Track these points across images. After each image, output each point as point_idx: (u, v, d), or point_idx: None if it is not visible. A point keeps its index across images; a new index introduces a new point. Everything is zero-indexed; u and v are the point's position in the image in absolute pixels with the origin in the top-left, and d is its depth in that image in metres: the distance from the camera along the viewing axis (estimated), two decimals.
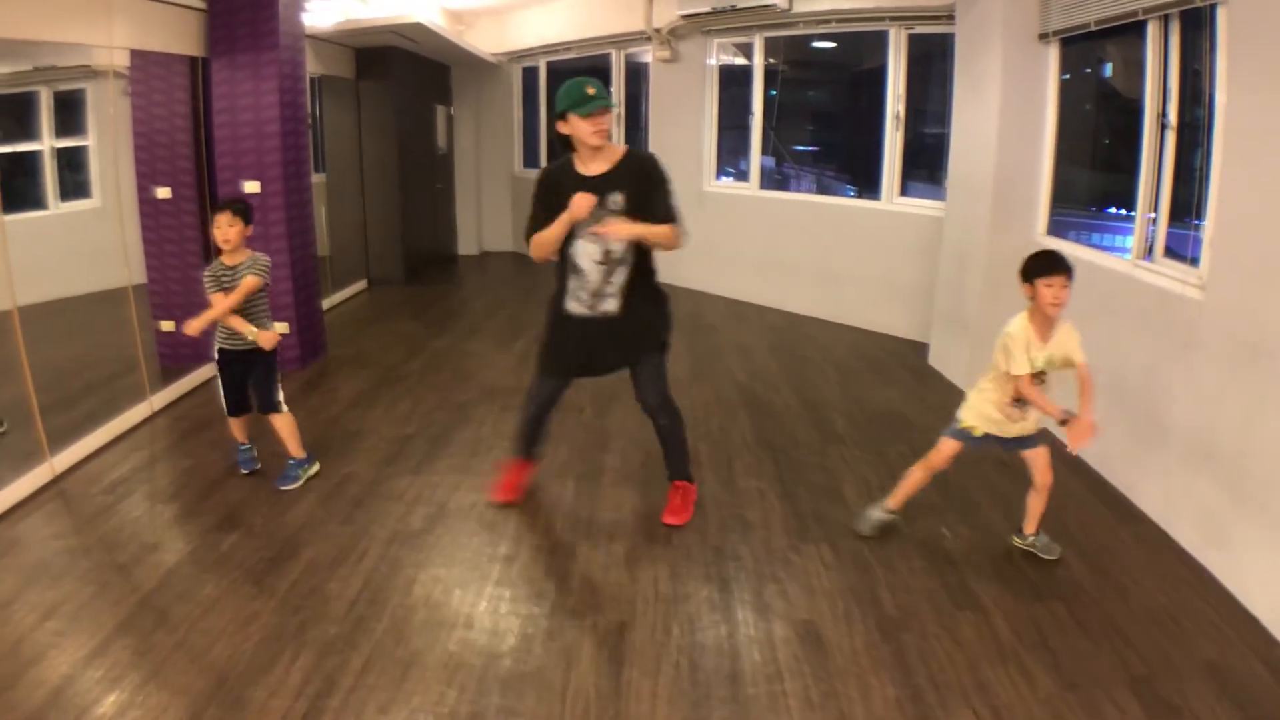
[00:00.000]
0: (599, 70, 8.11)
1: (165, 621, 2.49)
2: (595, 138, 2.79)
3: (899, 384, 4.90)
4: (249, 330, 3.28)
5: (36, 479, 3.34)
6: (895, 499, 3.06)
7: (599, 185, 2.83)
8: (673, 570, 2.85)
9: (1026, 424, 2.85)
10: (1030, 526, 2.99)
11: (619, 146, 2.92)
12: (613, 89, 8.02)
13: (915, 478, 3.01)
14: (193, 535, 3.02)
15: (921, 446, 3.07)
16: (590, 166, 2.88)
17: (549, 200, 2.89)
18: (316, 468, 3.57)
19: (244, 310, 3.30)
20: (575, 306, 3.00)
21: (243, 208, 3.35)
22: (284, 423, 3.46)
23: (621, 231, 2.81)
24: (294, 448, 3.48)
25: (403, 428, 4.08)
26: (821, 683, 2.29)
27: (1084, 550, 3.02)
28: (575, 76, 2.83)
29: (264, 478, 3.50)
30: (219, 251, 3.34)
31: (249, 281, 3.26)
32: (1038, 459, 2.92)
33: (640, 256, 2.96)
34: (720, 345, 5.69)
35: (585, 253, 2.92)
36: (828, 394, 4.71)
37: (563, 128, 2.84)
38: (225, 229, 3.27)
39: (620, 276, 2.94)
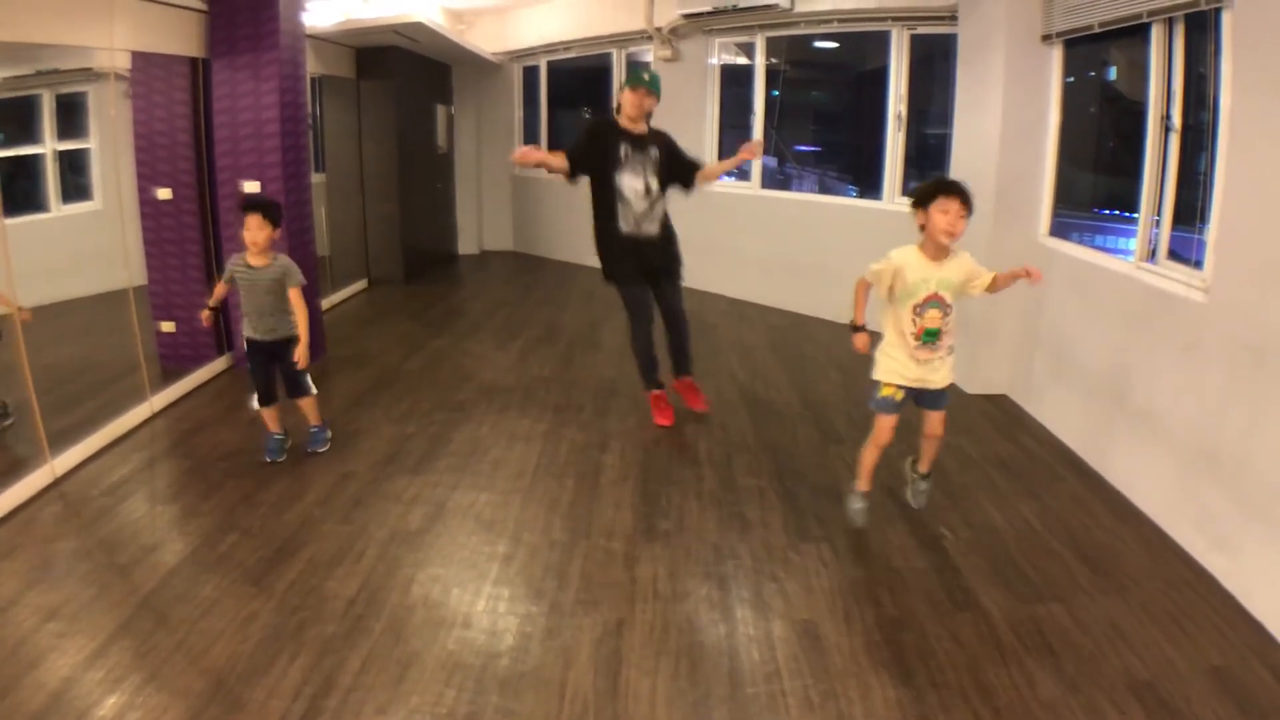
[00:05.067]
0: (600, 70, 8.12)
1: (165, 623, 2.49)
2: (632, 109, 3.82)
3: None
4: (302, 347, 3.55)
5: (37, 481, 3.33)
6: (863, 481, 3.07)
7: (641, 141, 3.86)
8: (671, 569, 2.85)
9: (939, 372, 2.85)
10: (922, 464, 3.12)
11: (647, 124, 3.95)
12: (613, 88, 8.02)
13: (869, 457, 3.03)
14: (192, 536, 3.02)
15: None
16: (633, 129, 3.87)
17: (594, 139, 3.83)
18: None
19: (276, 308, 3.57)
20: (625, 226, 3.88)
21: (273, 212, 3.49)
22: (310, 402, 3.76)
23: (756, 152, 4.08)
24: (315, 419, 3.79)
25: (402, 427, 4.08)
26: (821, 683, 2.28)
27: (1085, 551, 3.01)
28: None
29: (262, 477, 3.50)
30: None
31: (299, 304, 3.54)
32: (932, 416, 2.96)
33: (665, 200, 3.96)
34: (721, 344, 5.68)
35: (630, 187, 3.85)
36: (828, 393, 4.70)
37: (619, 96, 3.89)
38: (255, 232, 3.43)
39: (658, 209, 3.94)
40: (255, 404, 3.68)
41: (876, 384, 2.93)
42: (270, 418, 3.68)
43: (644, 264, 3.96)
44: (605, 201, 3.88)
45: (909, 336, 2.78)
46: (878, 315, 2.93)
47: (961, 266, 2.75)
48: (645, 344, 4.08)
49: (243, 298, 3.55)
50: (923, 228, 2.68)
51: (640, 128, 3.89)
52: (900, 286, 2.75)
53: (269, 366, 3.63)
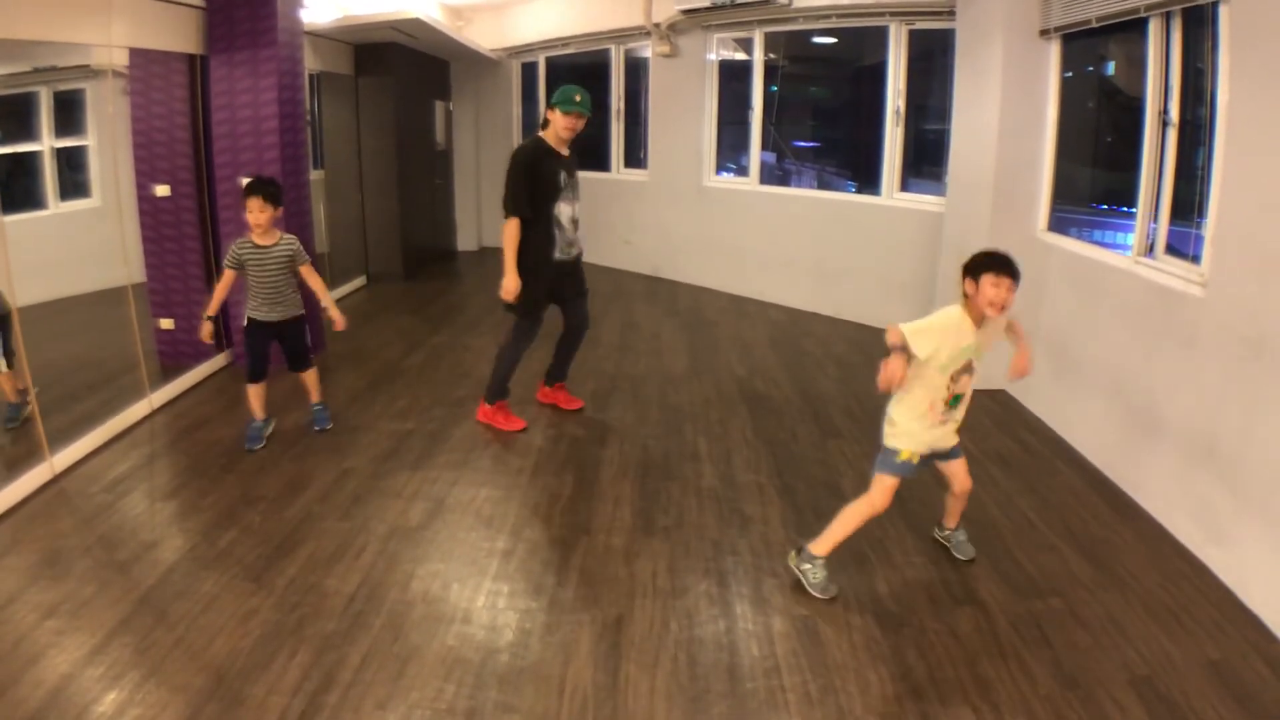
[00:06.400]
0: (599, 66, 8.12)
1: (164, 619, 2.50)
2: (565, 131, 3.75)
3: None
4: (334, 311, 3.80)
5: (36, 478, 3.33)
6: (826, 544, 2.69)
7: (569, 166, 3.85)
8: (671, 564, 2.85)
9: (949, 430, 2.68)
10: (951, 521, 2.97)
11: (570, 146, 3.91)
12: (611, 85, 8.01)
13: (853, 522, 2.66)
14: (192, 532, 3.03)
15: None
16: (560, 149, 3.81)
17: (534, 171, 3.70)
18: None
19: (287, 286, 3.71)
20: (558, 254, 3.84)
21: (274, 191, 3.63)
22: (313, 375, 3.95)
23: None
24: (317, 395, 3.99)
25: (401, 423, 4.08)
26: (820, 678, 2.29)
27: (1084, 546, 3.01)
28: (572, 82, 3.78)
29: (262, 473, 3.50)
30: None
31: (313, 277, 3.77)
32: (957, 469, 2.79)
33: None
34: (720, 340, 5.69)
35: (567, 215, 3.84)
36: (827, 389, 4.70)
37: (549, 114, 3.79)
38: (258, 213, 3.58)
39: (581, 230, 3.97)
40: (246, 381, 3.75)
41: (893, 450, 2.65)
42: (256, 398, 3.75)
43: (562, 286, 3.94)
44: (543, 230, 3.76)
45: (938, 402, 2.60)
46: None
47: (991, 332, 2.64)
48: (518, 362, 4.03)
49: (252, 279, 3.63)
50: (967, 294, 2.57)
51: (567, 151, 3.82)
52: (944, 354, 2.56)
53: (269, 344, 3.74)
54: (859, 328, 6.04)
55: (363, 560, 2.85)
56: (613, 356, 5.25)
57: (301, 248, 3.74)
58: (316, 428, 3.95)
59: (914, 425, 2.63)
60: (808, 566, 2.72)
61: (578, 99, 3.69)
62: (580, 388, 4.58)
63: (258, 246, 3.61)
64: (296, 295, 3.76)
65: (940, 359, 2.54)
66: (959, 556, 2.92)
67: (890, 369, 2.44)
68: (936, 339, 2.51)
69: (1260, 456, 2.64)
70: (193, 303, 4.82)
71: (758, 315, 6.44)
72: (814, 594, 2.67)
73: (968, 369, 2.61)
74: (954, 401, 2.62)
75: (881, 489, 2.65)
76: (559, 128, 3.72)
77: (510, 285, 3.67)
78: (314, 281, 3.77)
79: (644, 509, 3.26)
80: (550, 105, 3.75)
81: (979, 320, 2.58)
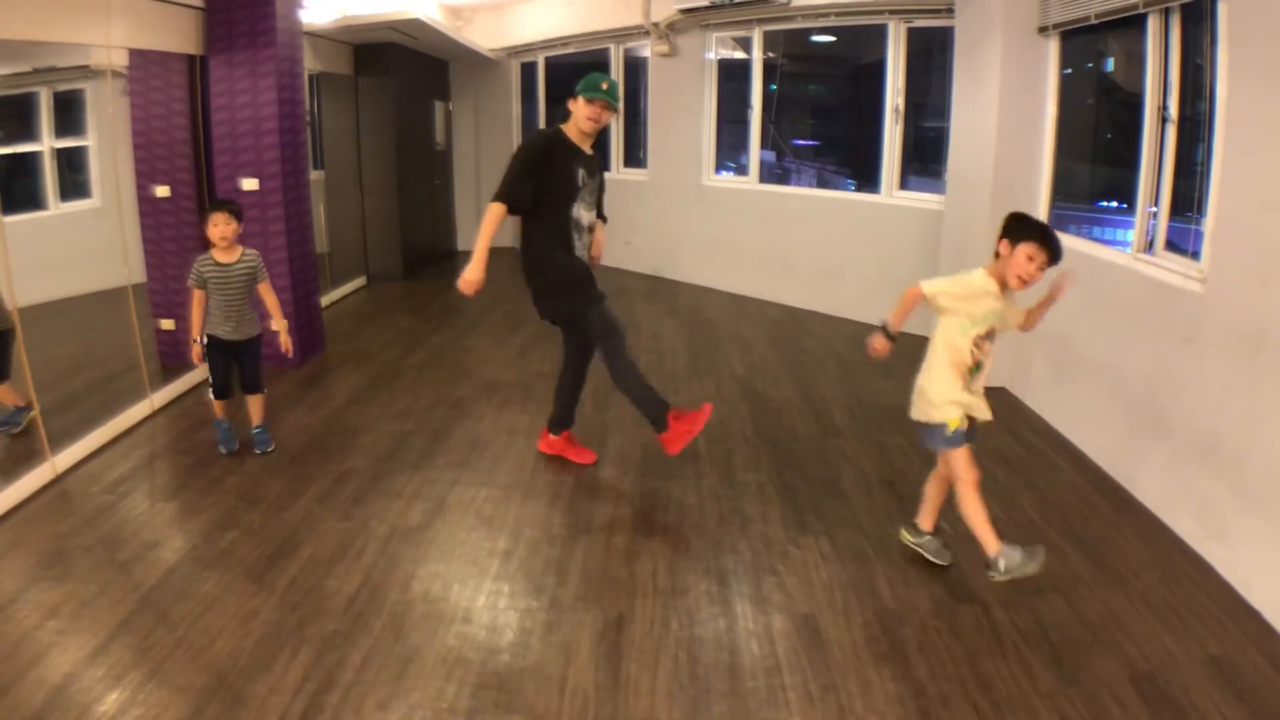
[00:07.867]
0: (598, 65, 8.11)
1: (166, 619, 2.50)
2: (587, 124, 3.27)
3: (898, 377, 4.87)
4: (285, 336, 3.70)
5: (38, 478, 3.34)
6: (992, 539, 2.55)
7: (591, 165, 3.36)
8: (671, 564, 2.85)
9: (983, 403, 2.64)
10: (927, 522, 2.84)
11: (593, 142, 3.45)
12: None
13: (973, 506, 2.57)
14: (193, 533, 3.03)
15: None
16: (583, 144, 3.34)
17: (545, 162, 3.23)
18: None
19: (246, 305, 3.64)
20: (579, 250, 3.40)
21: (238, 209, 3.65)
22: (260, 400, 3.80)
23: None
24: (259, 419, 3.80)
25: (401, 424, 4.09)
26: (820, 676, 2.29)
27: (1084, 543, 3.01)
28: (571, 81, 3.37)
29: (263, 474, 3.50)
30: (205, 245, 3.60)
31: (270, 296, 3.70)
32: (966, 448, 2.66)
33: None
34: (720, 339, 5.69)
35: (586, 218, 3.41)
36: (827, 387, 4.70)
37: (570, 104, 3.31)
38: (224, 227, 3.54)
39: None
40: (210, 395, 3.72)
41: (939, 424, 2.59)
42: (220, 409, 3.73)
43: (587, 291, 3.41)
44: (558, 232, 3.31)
45: (962, 365, 2.57)
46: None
47: (1013, 305, 2.63)
48: (634, 365, 3.46)
49: (214, 297, 3.57)
50: (998, 255, 2.52)
51: (590, 149, 3.36)
52: (969, 313, 2.54)
53: (230, 363, 3.70)
54: (859, 326, 6.02)
55: (363, 561, 2.85)
56: None
57: (262, 264, 3.67)
58: (258, 450, 3.71)
59: (948, 388, 2.58)
60: (1003, 563, 2.51)
61: (604, 86, 3.22)
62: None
63: (219, 264, 3.54)
64: (254, 315, 3.69)
65: (964, 319, 2.54)
66: (939, 562, 2.82)
67: (876, 345, 2.70)
68: (964, 300, 2.54)
69: (1261, 453, 2.64)
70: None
71: (757, 314, 6.44)
72: (1028, 571, 2.49)
73: (990, 336, 2.58)
74: (976, 368, 2.60)
75: (961, 463, 2.57)
76: (580, 118, 3.26)
77: (471, 276, 3.13)
78: (270, 300, 3.68)
79: (644, 508, 3.26)
80: (573, 94, 3.28)
81: (1003, 285, 2.55)
